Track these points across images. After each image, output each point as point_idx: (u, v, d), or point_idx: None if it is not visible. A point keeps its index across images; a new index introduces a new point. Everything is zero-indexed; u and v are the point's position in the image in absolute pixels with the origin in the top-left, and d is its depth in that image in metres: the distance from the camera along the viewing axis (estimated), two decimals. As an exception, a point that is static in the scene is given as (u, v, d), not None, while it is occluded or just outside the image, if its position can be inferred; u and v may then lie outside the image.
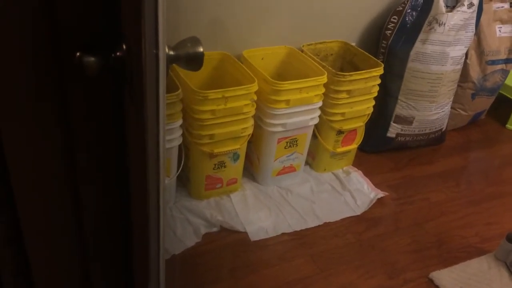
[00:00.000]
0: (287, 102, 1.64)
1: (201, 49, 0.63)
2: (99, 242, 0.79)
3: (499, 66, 2.19)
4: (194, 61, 0.63)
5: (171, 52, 0.62)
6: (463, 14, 1.86)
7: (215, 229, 1.67)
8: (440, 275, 1.60)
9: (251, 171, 1.89)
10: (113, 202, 0.75)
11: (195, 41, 0.63)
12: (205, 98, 1.51)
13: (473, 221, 1.85)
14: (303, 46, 1.88)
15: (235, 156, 1.71)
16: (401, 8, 1.90)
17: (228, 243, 1.63)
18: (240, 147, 1.68)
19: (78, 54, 0.57)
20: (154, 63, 0.57)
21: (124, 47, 0.59)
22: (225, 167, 1.71)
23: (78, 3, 0.56)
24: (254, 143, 1.79)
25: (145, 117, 0.60)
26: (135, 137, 0.64)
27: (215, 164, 1.70)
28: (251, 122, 1.66)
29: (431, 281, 1.58)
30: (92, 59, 0.58)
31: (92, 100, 0.63)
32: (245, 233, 1.66)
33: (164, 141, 0.63)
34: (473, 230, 1.80)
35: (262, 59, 1.81)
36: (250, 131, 1.67)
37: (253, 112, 1.64)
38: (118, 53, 0.59)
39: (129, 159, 0.69)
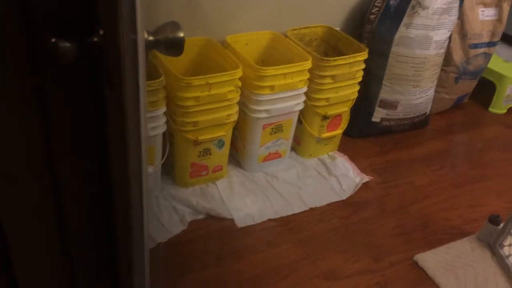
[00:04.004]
0: (272, 88, 1.63)
1: (181, 34, 0.62)
2: (80, 231, 0.77)
3: (482, 50, 2.20)
4: (175, 47, 0.62)
5: (151, 38, 0.61)
6: (447, -2, 1.86)
7: (201, 217, 1.66)
8: (424, 257, 1.62)
9: (236, 157, 1.89)
10: (95, 191, 0.73)
11: (175, 25, 0.62)
12: (188, 85, 1.49)
13: (457, 203, 1.88)
14: (287, 31, 1.86)
15: (220, 143, 1.70)
16: (385, -8, 1.89)
17: (214, 230, 1.63)
18: (225, 134, 1.67)
19: (53, 40, 0.55)
20: (132, 49, 0.56)
21: (100, 32, 0.57)
22: (210, 154, 1.70)
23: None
24: (239, 130, 1.78)
25: (124, 104, 0.58)
26: (115, 124, 0.63)
27: (200, 152, 1.68)
28: (235, 109, 1.65)
29: (416, 263, 1.60)
30: (68, 44, 0.56)
31: (69, 88, 0.62)
32: (232, 219, 1.66)
33: (145, 129, 0.62)
34: (457, 213, 1.83)
35: (246, 44, 1.79)
36: (234, 117, 1.66)
37: (237, 98, 1.62)
38: (95, 39, 0.57)
39: (110, 147, 0.68)
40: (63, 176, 0.72)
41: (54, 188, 0.71)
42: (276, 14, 1.86)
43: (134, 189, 0.64)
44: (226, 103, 1.59)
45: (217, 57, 1.69)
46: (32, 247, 0.76)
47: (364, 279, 1.53)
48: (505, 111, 2.47)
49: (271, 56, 1.84)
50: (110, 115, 0.64)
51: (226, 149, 1.75)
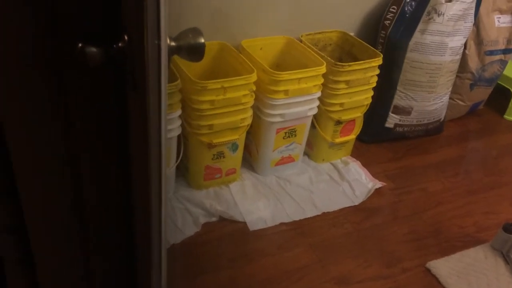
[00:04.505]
0: (286, 92, 1.64)
1: (202, 40, 0.63)
2: (101, 233, 0.79)
3: (497, 57, 2.19)
4: (196, 52, 0.63)
5: (173, 43, 0.62)
6: (462, 4, 1.86)
7: (214, 219, 1.68)
8: (437, 264, 1.61)
9: (249, 161, 1.90)
10: (115, 193, 0.75)
11: (197, 32, 0.63)
12: (204, 89, 1.51)
13: (471, 210, 1.86)
14: (301, 36, 1.87)
15: (234, 147, 1.72)
16: (400, -2, 1.90)
17: (227, 232, 1.64)
18: (239, 137, 1.69)
19: (80, 45, 0.57)
20: (156, 54, 0.57)
21: (125, 38, 0.59)
22: (224, 157, 1.72)
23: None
24: (253, 133, 1.79)
25: (147, 107, 0.60)
26: (137, 127, 0.64)
27: (214, 154, 1.70)
28: (250, 113, 1.66)
29: (428, 270, 1.59)
30: (94, 49, 0.58)
31: (94, 91, 0.63)
32: (244, 223, 1.67)
33: (165, 132, 0.64)
34: (471, 220, 1.82)
35: (261, 49, 1.80)
36: (249, 121, 1.67)
37: (252, 102, 1.64)
38: (119, 44, 0.59)
39: (131, 150, 0.69)
40: (85, 176, 0.74)
41: (75, 187, 0.72)
42: (291, 19, 1.87)
43: (154, 190, 0.65)
44: (241, 107, 1.60)
45: (232, 61, 1.71)
46: (52, 250, 0.78)
47: (376, 285, 1.53)
48: (520, 118, 2.45)
49: (286, 61, 1.86)
50: (133, 117, 0.65)
51: (240, 152, 1.76)
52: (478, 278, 1.57)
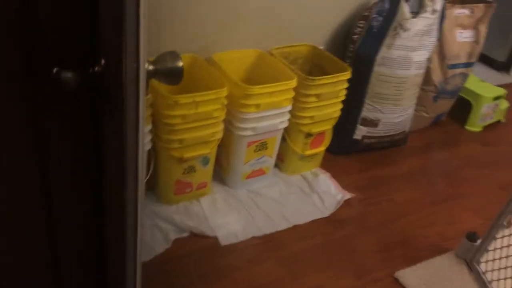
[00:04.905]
0: (257, 106, 1.65)
1: (180, 64, 0.62)
2: (73, 252, 0.76)
3: (459, 70, 2.27)
4: (174, 76, 0.62)
5: (150, 67, 0.61)
6: (427, 20, 1.92)
7: (185, 234, 1.65)
8: (405, 274, 1.64)
9: (220, 174, 1.89)
10: (89, 219, 0.73)
11: (174, 55, 0.62)
12: (175, 103, 1.49)
13: (435, 220, 1.92)
14: (272, 50, 1.88)
15: (205, 160, 1.70)
16: (367, 13, 1.94)
17: (198, 248, 1.62)
18: (210, 151, 1.68)
19: (55, 69, 0.55)
20: (135, 78, 0.56)
21: (102, 61, 0.57)
22: (194, 171, 1.70)
23: (55, 18, 0.54)
24: (224, 147, 1.78)
25: (125, 133, 0.58)
26: (114, 153, 0.63)
27: (184, 169, 1.68)
28: (221, 126, 1.65)
29: (397, 280, 1.62)
30: (70, 74, 0.56)
31: (69, 115, 0.62)
32: (215, 237, 1.66)
33: (143, 158, 0.62)
34: (435, 229, 1.87)
35: (232, 62, 1.80)
36: (220, 135, 1.67)
37: (223, 116, 1.63)
38: (96, 68, 0.58)
39: (107, 176, 0.67)
40: (58, 205, 0.71)
41: (48, 222, 0.70)
42: (262, 32, 1.88)
43: (130, 220, 0.63)
44: (212, 121, 1.59)
45: (204, 75, 1.70)
46: (23, 272, 0.75)
47: (347, 296, 1.54)
48: (481, 129, 2.54)
49: (256, 74, 1.86)
50: (110, 143, 0.63)
51: (211, 166, 1.75)
52: (444, 286, 1.62)
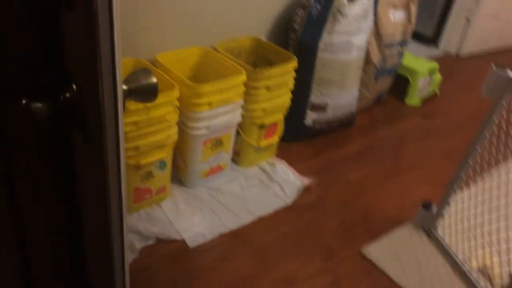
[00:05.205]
0: (210, 104, 1.63)
1: (154, 80, 0.60)
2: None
3: (395, 49, 2.37)
4: (149, 93, 0.60)
5: (124, 87, 0.59)
6: (363, 4, 1.98)
7: (151, 242, 1.62)
8: (370, 249, 1.71)
9: (178, 176, 1.86)
10: (64, 251, 0.69)
11: (146, 72, 0.60)
12: (126, 110, 1.44)
13: (390, 194, 2.01)
14: (216, 45, 1.87)
15: (162, 165, 1.67)
16: (305, 2, 1.97)
17: (167, 254, 1.60)
18: (167, 154, 1.64)
19: (24, 101, 0.51)
20: (113, 102, 0.54)
21: (74, 87, 0.54)
22: (153, 176, 1.66)
23: (20, 48, 0.51)
24: (180, 148, 1.75)
25: (105, 163, 0.56)
26: (93, 179, 0.60)
27: (142, 175, 1.64)
28: (175, 129, 1.62)
29: (363, 256, 1.69)
30: (39, 104, 0.53)
31: (41, 145, 0.58)
32: (183, 240, 1.64)
33: (125, 182, 0.60)
34: (392, 203, 1.96)
35: (177, 62, 1.77)
36: (175, 138, 1.64)
37: (176, 118, 1.60)
38: (67, 95, 0.54)
39: (86, 207, 0.64)
40: (30, 228, 0.67)
41: (22, 256, 0.66)
42: (204, 28, 1.86)
43: (116, 248, 0.61)
44: (166, 124, 1.56)
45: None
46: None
47: (320, 279, 1.58)
48: (419, 103, 2.68)
49: (204, 72, 1.84)
50: (87, 170, 0.61)
51: (168, 169, 1.72)
52: (407, 255, 1.70)
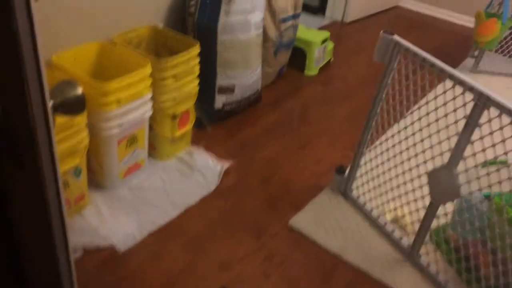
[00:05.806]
0: (118, 101, 1.56)
1: (80, 91, 0.56)
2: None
3: (289, 23, 2.44)
4: (77, 105, 0.56)
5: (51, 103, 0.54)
6: (255, -18, 2.00)
7: (78, 254, 1.54)
8: (296, 220, 1.79)
9: (96, 181, 1.77)
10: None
11: (71, 83, 0.56)
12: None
13: (305, 163, 2.10)
14: (114, 38, 1.78)
15: (77, 171, 1.58)
16: (198, -16, 1.94)
17: (97, 263, 1.53)
18: (80, 160, 1.55)
19: None
20: (43, 121, 0.50)
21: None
22: (68, 186, 1.56)
23: None
24: (93, 152, 1.66)
25: (43, 188, 0.52)
26: (31, 205, 0.55)
27: (56, 186, 1.53)
28: (85, 132, 1.53)
29: (291, 228, 1.76)
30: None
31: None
32: (112, 246, 1.58)
33: (64, 205, 0.56)
34: (308, 171, 2.05)
35: (75, 59, 1.66)
36: (86, 141, 1.55)
37: (85, 121, 1.51)
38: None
39: (23, 232, 0.59)
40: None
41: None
42: (99, 21, 1.75)
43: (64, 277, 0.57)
44: (75, 128, 1.47)
45: (49, 81, 1.53)
46: None
47: (254, 258, 1.63)
48: (317, 72, 2.80)
49: (106, 68, 1.74)
50: (23, 196, 0.56)
51: (84, 175, 1.62)
52: (329, 219, 1.81)
